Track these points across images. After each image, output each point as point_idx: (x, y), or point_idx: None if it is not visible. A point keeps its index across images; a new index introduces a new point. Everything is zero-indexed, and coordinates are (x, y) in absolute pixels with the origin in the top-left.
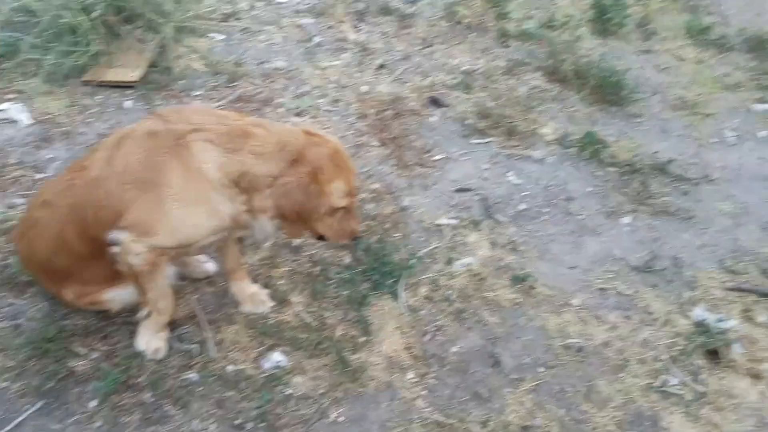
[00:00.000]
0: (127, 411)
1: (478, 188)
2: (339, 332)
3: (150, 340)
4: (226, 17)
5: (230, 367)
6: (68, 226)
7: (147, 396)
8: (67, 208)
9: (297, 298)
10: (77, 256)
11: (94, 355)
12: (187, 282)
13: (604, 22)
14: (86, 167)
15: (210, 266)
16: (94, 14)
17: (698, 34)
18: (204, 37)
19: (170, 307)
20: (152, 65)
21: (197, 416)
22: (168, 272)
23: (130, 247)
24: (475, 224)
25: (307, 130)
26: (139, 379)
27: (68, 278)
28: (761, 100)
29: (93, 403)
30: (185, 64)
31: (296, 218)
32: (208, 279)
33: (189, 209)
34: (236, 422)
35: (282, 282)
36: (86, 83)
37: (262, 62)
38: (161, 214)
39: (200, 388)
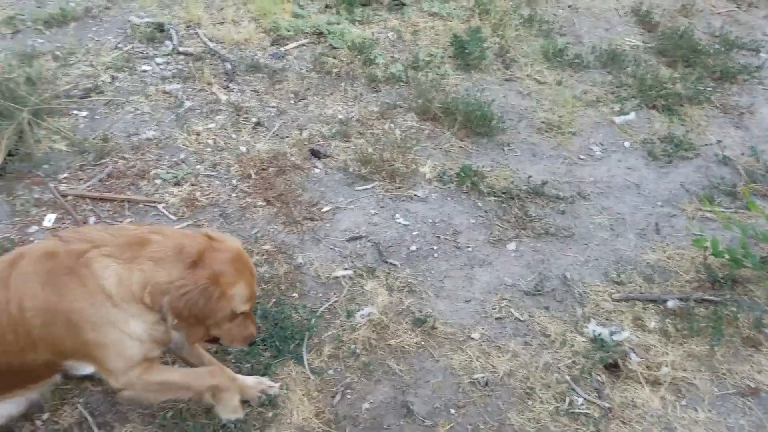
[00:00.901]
0: None
1: (369, 234)
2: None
3: (231, 409)
4: (88, 92)
5: None
6: None
7: None
8: None
9: None
10: None
11: None
12: (71, 384)
13: (464, 57)
14: None
15: None
16: None
17: (554, 57)
18: (65, 116)
19: (208, 375)
20: (10, 154)
21: None
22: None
23: (112, 383)
24: (371, 271)
25: (207, 233)
26: None
27: None
28: (621, 112)
29: None
30: (47, 147)
31: (194, 322)
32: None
33: (108, 331)
34: None
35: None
36: None
37: (132, 134)
38: (98, 348)
39: None
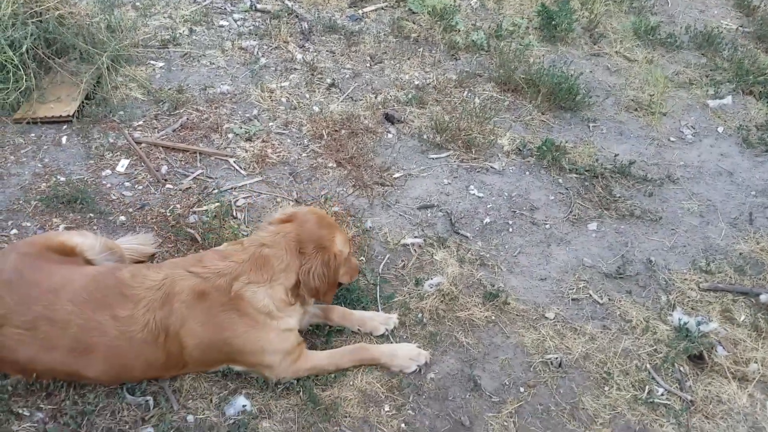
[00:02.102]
0: None
1: (441, 204)
2: None
3: (411, 359)
4: (165, 43)
5: (190, 417)
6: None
7: None
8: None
9: None
10: None
11: (39, 415)
12: None
13: (551, 29)
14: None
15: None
16: (22, 49)
17: (646, 35)
18: (142, 65)
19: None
20: (88, 98)
21: None
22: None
23: (267, 376)
24: (442, 241)
25: (285, 218)
26: None
27: None
28: (715, 96)
29: None
30: (123, 94)
31: (328, 288)
32: None
33: (268, 338)
34: None
35: None
36: (17, 121)
37: (206, 87)
38: (257, 354)
39: None
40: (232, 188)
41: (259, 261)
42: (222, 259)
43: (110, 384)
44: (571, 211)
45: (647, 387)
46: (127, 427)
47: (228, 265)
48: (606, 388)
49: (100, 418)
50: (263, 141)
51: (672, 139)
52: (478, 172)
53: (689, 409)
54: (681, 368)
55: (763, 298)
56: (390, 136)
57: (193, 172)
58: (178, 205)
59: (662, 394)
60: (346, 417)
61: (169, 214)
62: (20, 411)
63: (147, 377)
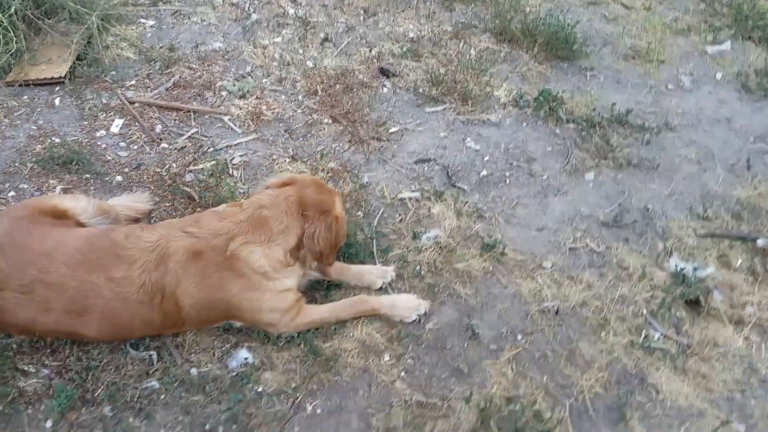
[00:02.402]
0: (86, 428)
1: (437, 158)
2: None
3: (411, 309)
4: (155, 1)
5: (194, 371)
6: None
7: (106, 410)
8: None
9: None
10: None
11: (44, 371)
12: None
13: None
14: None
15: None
16: (11, 10)
17: None
18: (133, 23)
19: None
20: (79, 58)
21: (163, 425)
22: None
23: (268, 331)
24: (439, 195)
25: (284, 181)
26: (96, 393)
27: None
28: (714, 42)
29: (48, 424)
30: (115, 53)
31: (330, 250)
32: None
33: (265, 298)
34: (206, 427)
35: None
36: (10, 84)
37: (198, 45)
38: (255, 312)
39: (162, 396)
40: (227, 146)
41: (258, 222)
42: (219, 219)
43: (110, 341)
44: (568, 162)
45: (644, 332)
46: (131, 381)
47: (225, 226)
48: (603, 334)
49: (104, 373)
50: (257, 98)
51: (670, 86)
52: (474, 124)
53: (686, 352)
54: (677, 313)
55: (760, 242)
56: (385, 90)
57: (187, 131)
58: (173, 165)
59: (659, 339)
60: (346, 367)
61: (165, 174)
62: (26, 368)
63: (146, 335)
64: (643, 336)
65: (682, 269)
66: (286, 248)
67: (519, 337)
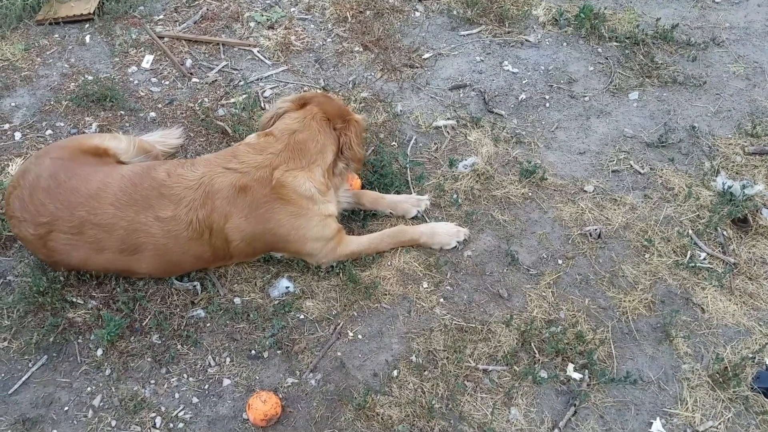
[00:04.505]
0: (136, 355)
1: (473, 83)
2: None
3: (451, 236)
4: None
5: (237, 300)
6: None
7: (154, 338)
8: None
9: None
10: None
11: (92, 303)
12: None
13: None
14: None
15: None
16: None
17: None
18: None
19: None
20: None
21: (210, 351)
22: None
23: (311, 262)
24: (475, 121)
25: (300, 102)
26: (144, 323)
27: None
28: None
29: (99, 352)
30: None
31: (361, 155)
32: None
33: (312, 225)
34: (252, 352)
35: None
36: (40, 23)
37: None
38: (301, 242)
39: (208, 324)
40: (258, 79)
41: (296, 148)
42: (257, 152)
43: (162, 277)
44: (611, 82)
45: (689, 252)
46: (177, 310)
47: (266, 158)
48: (646, 256)
49: (151, 303)
50: (286, 28)
51: (717, 0)
52: (512, 46)
53: (732, 271)
54: (724, 233)
55: None
56: (417, 14)
57: (217, 65)
58: (206, 99)
59: (704, 259)
60: (385, 294)
61: (198, 109)
62: (74, 300)
63: (195, 269)
64: (688, 256)
65: (729, 187)
66: (324, 167)
67: (560, 261)
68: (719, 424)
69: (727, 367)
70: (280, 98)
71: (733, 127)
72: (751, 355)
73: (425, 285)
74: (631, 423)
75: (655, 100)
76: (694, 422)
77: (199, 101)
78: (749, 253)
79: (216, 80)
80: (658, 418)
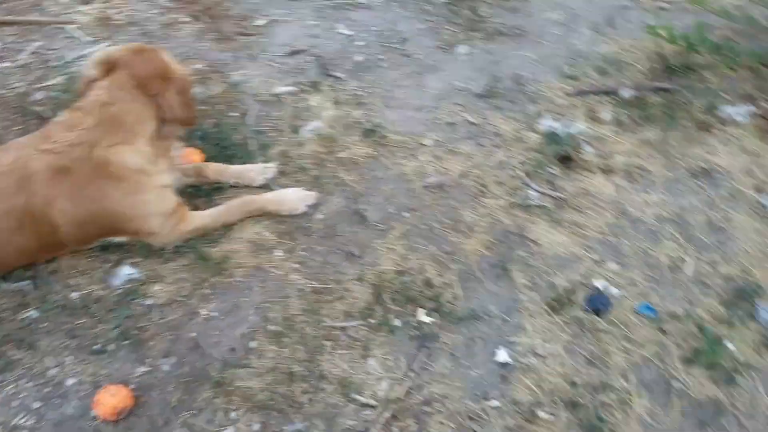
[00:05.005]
0: None
1: (310, 47)
2: None
3: (300, 201)
4: None
5: (74, 294)
6: None
7: None
8: None
9: None
10: None
11: None
12: None
13: None
14: None
15: None
16: None
17: None
18: None
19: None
20: None
21: (48, 353)
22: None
23: (152, 242)
24: (315, 86)
25: (105, 67)
26: None
27: None
28: None
29: None
30: None
31: (190, 111)
32: None
33: (147, 199)
34: (95, 347)
35: None
36: None
37: None
38: (139, 219)
39: (45, 324)
40: (78, 57)
41: (110, 122)
42: (69, 129)
43: None
44: (440, 38)
45: (521, 192)
46: (9, 314)
47: (79, 135)
48: (483, 200)
49: None
50: (103, 2)
51: None
52: (344, 9)
53: (561, 206)
54: (551, 170)
55: (624, 94)
56: None
57: (28, 47)
58: (18, 84)
59: (535, 197)
60: (238, 268)
61: (10, 95)
62: None
63: (23, 264)
64: (521, 196)
65: (553, 129)
66: (147, 137)
67: (405, 214)
68: (558, 345)
69: (560, 293)
70: (89, 60)
71: (554, 72)
72: (581, 280)
73: (278, 253)
74: (479, 355)
75: (481, 53)
76: (535, 347)
77: (11, 86)
78: (575, 186)
79: (29, 63)
80: (501, 347)
